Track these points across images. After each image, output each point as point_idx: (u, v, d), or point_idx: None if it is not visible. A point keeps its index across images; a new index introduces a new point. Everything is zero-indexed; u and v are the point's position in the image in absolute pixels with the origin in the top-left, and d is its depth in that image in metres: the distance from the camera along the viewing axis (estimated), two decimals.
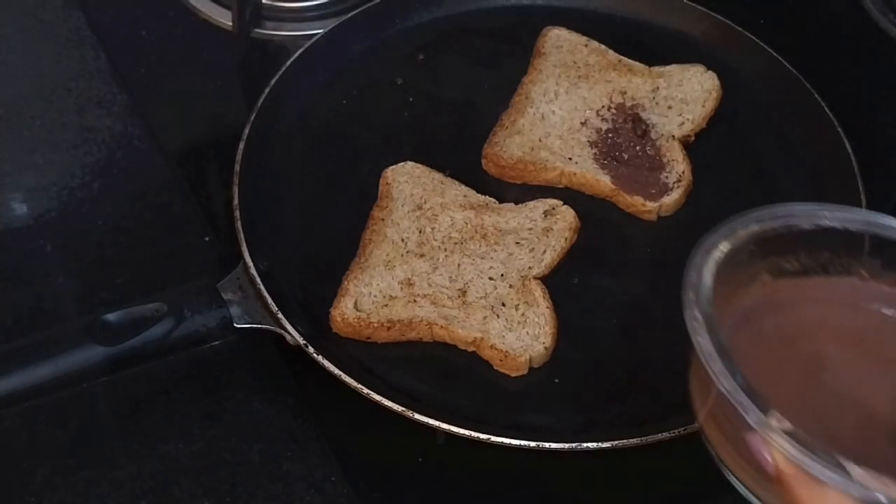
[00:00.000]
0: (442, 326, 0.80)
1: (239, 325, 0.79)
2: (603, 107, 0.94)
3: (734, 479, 0.60)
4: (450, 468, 0.79)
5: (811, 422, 0.56)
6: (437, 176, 0.89)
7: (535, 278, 0.83)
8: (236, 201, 0.85)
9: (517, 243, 0.85)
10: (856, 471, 0.52)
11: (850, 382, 0.60)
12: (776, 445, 0.54)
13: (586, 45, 0.98)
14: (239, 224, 0.84)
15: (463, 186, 0.89)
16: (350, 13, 0.99)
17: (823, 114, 0.93)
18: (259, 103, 0.91)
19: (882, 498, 0.52)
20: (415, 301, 0.82)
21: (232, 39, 1.00)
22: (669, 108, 0.94)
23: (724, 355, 0.57)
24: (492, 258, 0.84)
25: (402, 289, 0.82)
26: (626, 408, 0.79)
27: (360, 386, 0.76)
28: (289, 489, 0.77)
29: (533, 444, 0.75)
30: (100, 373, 0.75)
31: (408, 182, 0.88)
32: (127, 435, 0.79)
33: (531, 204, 0.88)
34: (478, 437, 0.75)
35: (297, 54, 0.95)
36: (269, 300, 0.80)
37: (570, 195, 0.89)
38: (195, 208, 0.91)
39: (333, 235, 0.87)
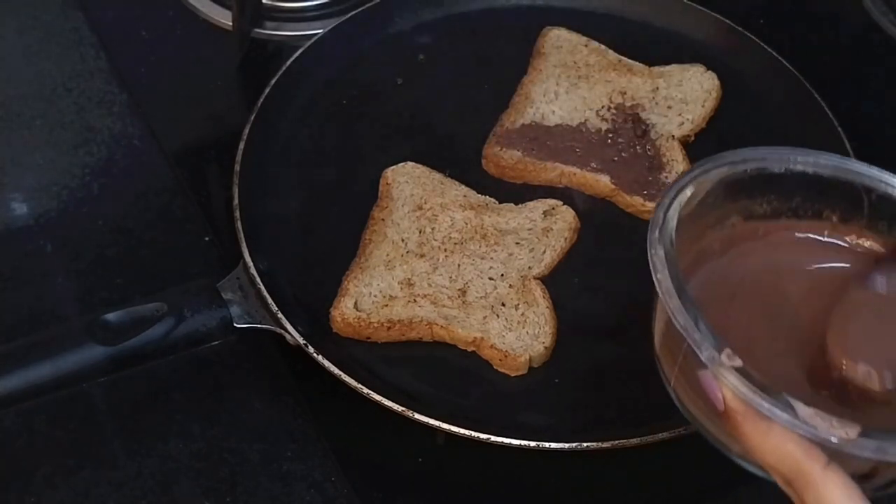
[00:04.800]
0: (442, 326, 0.80)
1: (239, 325, 0.79)
2: (603, 107, 0.94)
3: (686, 411, 0.62)
4: (450, 468, 0.79)
5: (762, 362, 0.57)
6: (437, 176, 0.89)
7: (535, 278, 0.83)
8: (236, 201, 0.85)
9: (517, 243, 0.85)
10: (802, 409, 0.54)
11: (802, 325, 0.61)
12: (726, 382, 0.56)
13: (586, 45, 0.98)
14: (239, 224, 0.84)
15: (463, 186, 0.89)
16: (350, 13, 0.99)
17: (823, 114, 0.93)
18: (259, 103, 0.91)
19: (826, 436, 0.53)
20: (415, 301, 0.82)
21: (232, 39, 1.00)
22: (669, 108, 0.94)
23: (681, 292, 0.58)
24: (492, 258, 0.84)
25: (402, 289, 0.82)
26: (626, 408, 0.79)
27: (360, 386, 0.76)
28: (289, 489, 0.77)
29: (533, 444, 0.75)
30: (100, 373, 0.75)
31: (408, 182, 0.88)
32: (127, 435, 0.79)
33: (531, 204, 0.88)
34: (478, 437, 0.75)
35: (297, 54, 0.95)
36: (269, 300, 0.80)
37: (570, 195, 0.89)
38: (195, 208, 0.91)
39: (333, 235, 0.87)
